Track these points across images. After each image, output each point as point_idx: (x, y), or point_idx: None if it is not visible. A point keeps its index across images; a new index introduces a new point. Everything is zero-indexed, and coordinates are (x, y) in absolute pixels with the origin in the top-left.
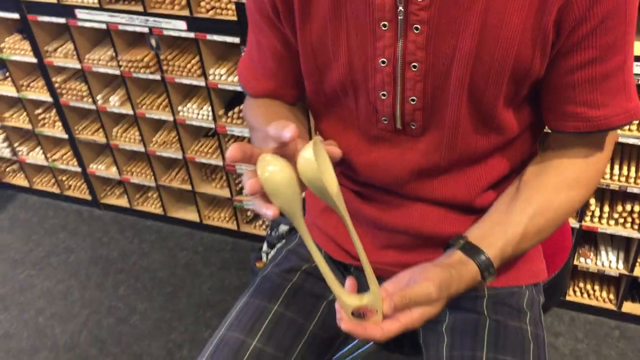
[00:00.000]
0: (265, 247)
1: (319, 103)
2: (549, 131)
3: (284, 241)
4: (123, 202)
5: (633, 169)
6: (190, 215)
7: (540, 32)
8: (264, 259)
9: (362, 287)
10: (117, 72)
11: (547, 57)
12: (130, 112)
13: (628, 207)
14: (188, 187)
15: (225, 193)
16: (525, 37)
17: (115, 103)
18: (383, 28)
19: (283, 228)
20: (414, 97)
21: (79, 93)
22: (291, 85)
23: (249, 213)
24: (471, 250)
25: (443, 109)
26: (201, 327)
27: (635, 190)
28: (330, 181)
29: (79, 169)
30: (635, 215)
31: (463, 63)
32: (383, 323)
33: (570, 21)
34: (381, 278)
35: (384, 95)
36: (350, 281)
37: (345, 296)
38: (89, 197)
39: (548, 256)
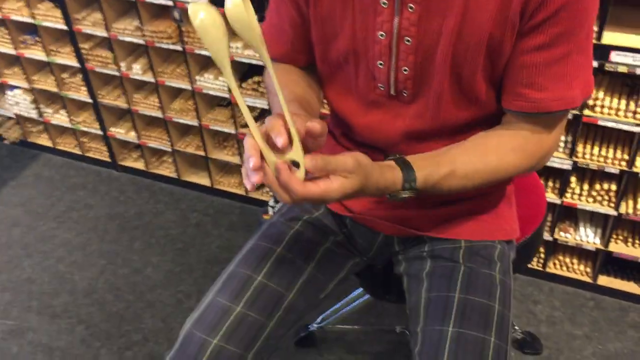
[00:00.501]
0: (272, 201)
1: (325, 70)
2: None
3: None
4: (140, 164)
5: (611, 150)
6: (202, 179)
7: (509, 16)
8: (270, 212)
9: (354, 238)
10: (141, 42)
11: (514, 38)
12: (152, 79)
13: (605, 185)
14: (201, 153)
15: (236, 160)
16: (497, 20)
17: (137, 70)
18: (383, 5)
19: None
20: (406, 68)
21: (104, 60)
22: (303, 50)
23: None
24: (403, 163)
25: (430, 80)
26: (208, 280)
27: (613, 171)
28: (254, 23)
29: (100, 132)
30: (611, 194)
31: (447, 40)
32: (305, 182)
33: (531, 9)
34: (376, 231)
35: (381, 64)
36: (281, 139)
37: (268, 151)
38: (108, 159)
39: (523, 221)
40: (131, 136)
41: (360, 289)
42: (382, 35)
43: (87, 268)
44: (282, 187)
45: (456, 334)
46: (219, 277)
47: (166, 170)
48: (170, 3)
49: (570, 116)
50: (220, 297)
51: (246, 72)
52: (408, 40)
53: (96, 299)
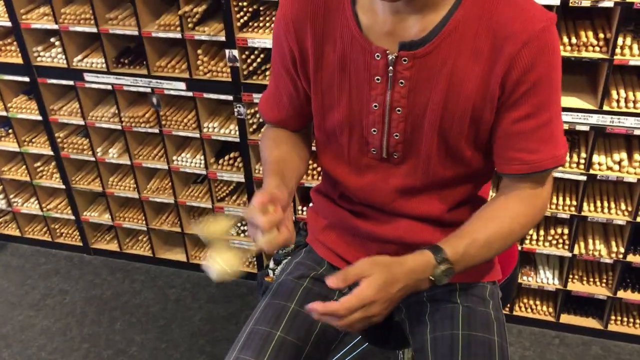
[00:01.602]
0: (272, 264)
1: (321, 138)
2: None
3: (289, 257)
4: (113, 246)
5: (561, 197)
6: (178, 255)
7: (489, 90)
8: (271, 274)
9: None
10: (119, 127)
11: (494, 108)
12: (128, 162)
13: (559, 230)
14: (177, 229)
15: None
16: (479, 93)
17: (113, 155)
18: (377, 81)
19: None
20: (397, 133)
21: (80, 147)
22: (296, 116)
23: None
24: (433, 247)
25: (419, 143)
26: (195, 353)
27: (564, 216)
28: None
29: (72, 217)
30: (565, 237)
31: (434, 110)
32: (340, 300)
33: (510, 84)
34: None
35: (374, 131)
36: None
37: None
38: (79, 243)
39: (502, 264)
40: (105, 219)
41: (358, 338)
42: (375, 106)
43: (70, 353)
44: (327, 316)
45: None
46: (237, 337)
47: (141, 249)
48: (149, 90)
49: None
50: (244, 354)
51: (221, 149)
52: (399, 110)
53: None
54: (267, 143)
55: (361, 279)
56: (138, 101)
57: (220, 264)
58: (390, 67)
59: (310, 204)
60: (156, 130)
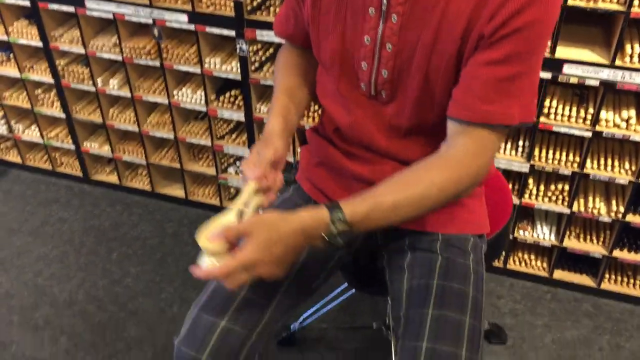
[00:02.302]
0: None
1: (318, 69)
2: None
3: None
4: (113, 178)
5: (564, 153)
6: (177, 191)
7: (476, 33)
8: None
9: None
10: (119, 58)
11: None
12: (128, 94)
13: (559, 186)
14: (177, 165)
15: (211, 171)
16: (466, 36)
17: (114, 86)
18: (370, 13)
19: None
20: (386, 71)
21: (80, 76)
22: (302, 35)
23: (232, 190)
24: (331, 204)
25: (406, 84)
26: (189, 288)
27: (566, 172)
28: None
29: (72, 147)
30: (565, 194)
31: (423, 51)
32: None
33: (493, 26)
34: None
35: (365, 66)
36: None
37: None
38: (80, 174)
39: (492, 219)
40: (105, 150)
41: (337, 290)
42: (367, 40)
43: (67, 280)
44: (216, 277)
45: (436, 315)
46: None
47: (140, 183)
48: (150, 21)
49: None
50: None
51: (222, 86)
52: (389, 47)
53: (78, 310)
54: (280, 69)
55: (244, 237)
56: (140, 32)
57: (214, 263)
58: (384, 0)
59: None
60: (157, 63)
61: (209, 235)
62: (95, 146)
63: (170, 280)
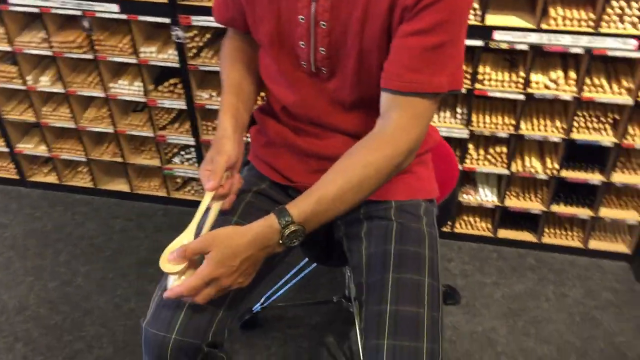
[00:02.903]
0: None
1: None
2: None
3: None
4: (52, 178)
5: (500, 117)
6: (120, 186)
7: (400, 6)
8: None
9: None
10: (49, 53)
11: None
12: (61, 90)
13: (498, 149)
14: (119, 159)
15: (155, 162)
16: (392, 8)
17: (45, 83)
18: None
19: None
20: (323, 48)
21: (8, 75)
22: (241, 19)
23: (178, 180)
24: (278, 209)
25: (344, 59)
26: (144, 282)
27: (503, 135)
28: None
29: (6, 149)
30: (503, 156)
31: (355, 26)
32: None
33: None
34: None
35: (302, 44)
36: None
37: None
38: (16, 176)
39: (440, 184)
40: (41, 150)
41: (295, 269)
42: (302, 18)
43: (15, 286)
44: (185, 295)
45: (396, 279)
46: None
47: (81, 180)
48: (79, 13)
49: (464, 90)
50: None
51: (160, 75)
52: (323, 24)
53: (30, 315)
54: (224, 60)
55: (202, 253)
56: (68, 25)
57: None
58: None
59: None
60: (90, 56)
61: (169, 258)
62: (30, 147)
63: (124, 275)
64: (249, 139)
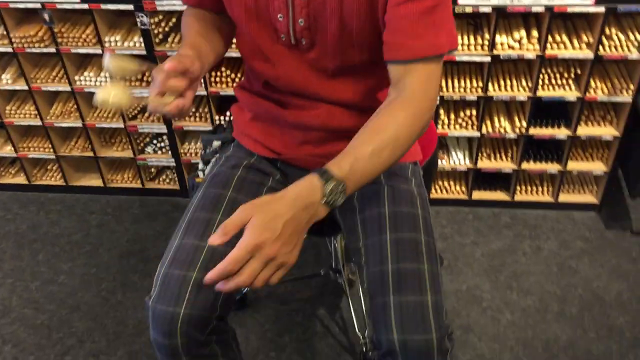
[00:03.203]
0: (201, 165)
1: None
2: None
3: (217, 155)
4: (20, 179)
5: (468, 80)
6: (93, 181)
7: None
8: (201, 175)
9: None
10: (9, 50)
11: None
12: (25, 87)
13: (468, 112)
14: (90, 154)
15: (128, 154)
16: None
17: (7, 80)
18: None
19: (216, 144)
20: (302, 19)
21: None
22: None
23: (152, 170)
24: (318, 170)
25: (324, 29)
26: (128, 273)
27: (472, 98)
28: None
29: None
30: (473, 118)
31: None
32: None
33: None
34: (303, 169)
35: (280, 17)
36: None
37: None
38: None
39: (422, 147)
40: (7, 151)
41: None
42: None
43: None
44: (228, 271)
45: (394, 238)
46: (178, 224)
47: (52, 179)
48: (39, 6)
49: None
50: (187, 239)
51: None
52: None
53: (15, 317)
54: (187, 20)
55: (243, 226)
56: (28, 19)
57: (108, 91)
58: None
59: (235, 103)
60: (52, 50)
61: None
62: None
63: (107, 269)
64: (232, 118)
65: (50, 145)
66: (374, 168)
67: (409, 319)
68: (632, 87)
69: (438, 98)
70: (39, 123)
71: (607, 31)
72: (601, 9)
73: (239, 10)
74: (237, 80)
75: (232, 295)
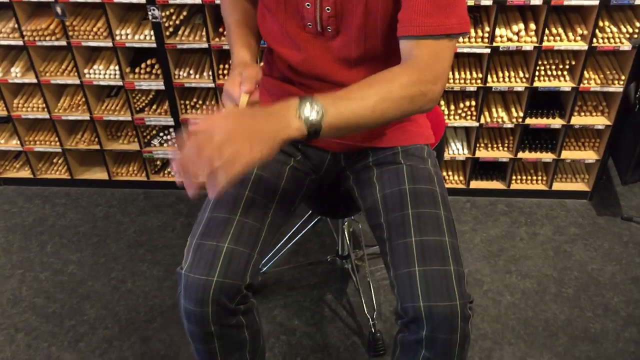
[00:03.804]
0: None
1: (262, 14)
2: None
3: None
4: (25, 173)
5: (468, 72)
6: (98, 174)
7: None
8: None
9: (309, 158)
10: (20, 43)
11: None
12: (34, 80)
13: (467, 103)
14: (96, 146)
15: (134, 147)
16: None
17: (17, 74)
18: None
19: None
20: (329, 7)
21: None
22: None
23: (157, 162)
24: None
25: (349, 17)
26: (137, 262)
27: (472, 89)
28: None
29: None
30: (472, 109)
31: None
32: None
33: None
34: (325, 150)
35: (308, 5)
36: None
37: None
38: None
39: (433, 131)
40: (13, 145)
41: (288, 235)
42: None
43: (4, 281)
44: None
45: (415, 213)
46: (206, 201)
47: (57, 173)
48: None
49: None
50: (217, 212)
51: (135, 57)
52: None
53: (27, 306)
54: (226, 7)
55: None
56: (40, 12)
57: None
58: None
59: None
60: (63, 43)
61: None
62: (0, 142)
63: (115, 259)
64: None
65: (56, 139)
66: (360, 110)
67: (434, 286)
68: (623, 77)
69: (445, 80)
70: (47, 116)
71: (600, 23)
72: (595, 2)
73: None
74: None
75: (258, 266)
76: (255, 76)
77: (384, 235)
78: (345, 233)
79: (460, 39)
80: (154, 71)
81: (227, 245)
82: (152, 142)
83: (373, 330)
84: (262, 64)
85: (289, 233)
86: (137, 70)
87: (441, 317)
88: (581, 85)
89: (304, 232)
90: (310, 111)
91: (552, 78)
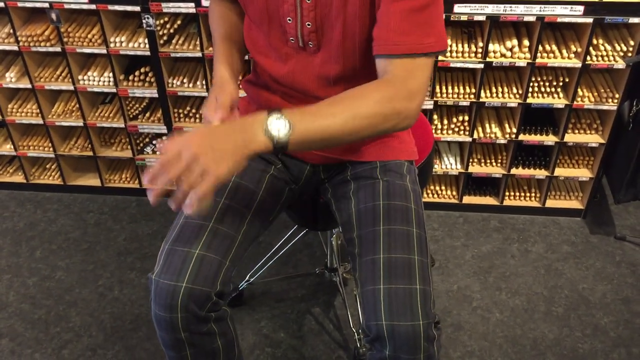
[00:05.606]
0: None
1: (247, 27)
2: None
3: None
4: (18, 178)
5: (462, 87)
6: (91, 181)
7: None
8: None
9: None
10: (15, 48)
11: None
12: (28, 86)
13: (460, 117)
14: (89, 153)
15: (127, 154)
16: None
17: (11, 79)
18: None
19: None
20: (309, 22)
21: None
22: None
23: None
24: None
25: (330, 33)
26: (125, 270)
27: (465, 104)
28: None
29: None
30: (465, 124)
31: (339, 1)
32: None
33: None
34: (304, 162)
35: (289, 20)
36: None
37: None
38: None
39: (418, 148)
40: (7, 149)
41: (276, 246)
42: None
43: None
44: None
45: (386, 230)
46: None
47: (49, 178)
48: (46, 5)
49: None
50: (192, 218)
51: (129, 65)
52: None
53: (12, 312)
54: (214, 17)
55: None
56: (35, 18)
57: None
58: None
59: (243, 94)
60: (58, 49)
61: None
62: None
63: (104, 266)
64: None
65: (50, 144)
66: (329, 127)
67: (398, 305)
68: (617, 95)
69: (422, 97)
70: (41, 122)
71: (594, 41)
72: (589, 20)
73: (253, 9)
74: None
75: (230, 274)
76: (230, 102)
77: (355, 251)
78: (334, 245)
79: (454, 54)
80: (147, 79)
81: (198, 252)
82: (145, 149)
83: (359, 345)
84: (241, 78)
85: (278, 244)
86: (131, 77)
87: (403, 336)
88: (575, 102)
89: (293, 242)
90: (277, 127)
91: (545, 95)
